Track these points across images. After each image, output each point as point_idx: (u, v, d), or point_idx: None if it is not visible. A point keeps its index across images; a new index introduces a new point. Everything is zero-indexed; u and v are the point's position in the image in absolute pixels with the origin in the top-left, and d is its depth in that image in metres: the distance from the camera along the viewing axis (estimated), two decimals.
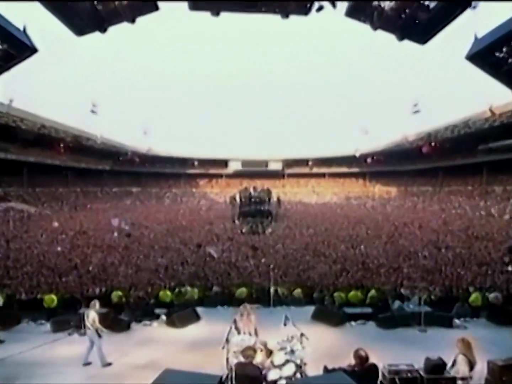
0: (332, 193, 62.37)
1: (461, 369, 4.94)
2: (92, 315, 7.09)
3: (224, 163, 67.13)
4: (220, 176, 68.05)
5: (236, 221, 27.65)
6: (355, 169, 63.97)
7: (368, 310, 9.49)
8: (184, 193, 62.46)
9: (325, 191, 63.72)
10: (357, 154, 57.93)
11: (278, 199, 33.28)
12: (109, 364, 6.83)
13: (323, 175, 66.93)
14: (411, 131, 46.43)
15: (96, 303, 7.39)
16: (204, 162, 65.86)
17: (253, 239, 20.13)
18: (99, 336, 7.00)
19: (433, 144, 44.95)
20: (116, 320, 8.80)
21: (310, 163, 66.32)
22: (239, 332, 6.12)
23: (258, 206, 28.64)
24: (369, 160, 59.34)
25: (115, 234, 21.64)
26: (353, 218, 29.90)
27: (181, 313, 9.16)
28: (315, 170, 66.64)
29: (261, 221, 26.20)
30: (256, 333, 6.46)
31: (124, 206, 44.79)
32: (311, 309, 9.64)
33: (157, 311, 9.62)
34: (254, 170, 64.96)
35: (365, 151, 57.54)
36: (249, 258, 15.12)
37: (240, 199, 30.43)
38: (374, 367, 5.29)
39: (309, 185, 66.88)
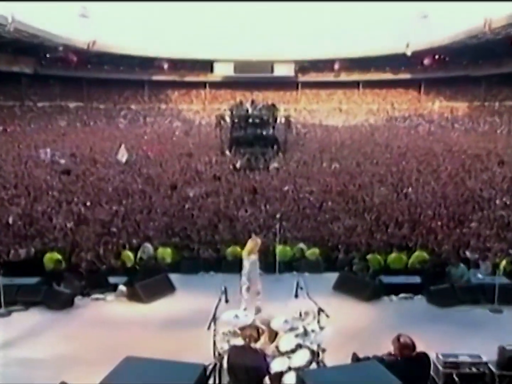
0: (367, 112, 61.72)
1: None
2: None
3: (209, 65, 65.53)
4: (202, 85, 66.74)
5: (226, 152, 27.87)
6: (404, 75, 62.71)
7: (416, 279, 9.66)
8: (149, 111, 61.79)
9: (358, 108, 63.04)
10: (409, 52, 56.14)
11: (288, 120, 32.91)
12: None
13: (355, 85, 65.65)
14: (496, 13, 44.21)
15: None
16: (179, 64, 64.34)
17: (251, 178, 20.38)
18: None
19: None
20: (53, 293, 8.94)
21: (336, 66, 64.77)
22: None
23: (258, 130, 28.59)
24: (427, 60, 57.76)
25: (47, 170, 21.63)
26: (398, 149, 29.92)
27: (147, 282, 9.31)
28: (344, 77, 65.27)
29: (263, 152, 26.31)
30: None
31: (57, 130, 44.26)
32: (333, 276, 9.84)
33: (113, 279, 9.78)
34: (253, 77, 63.82)
35: (421, 46, 55.61)
36: (245, 205, 15.34)
37: (232, 120, 30.24)
38: (425, 357, 5.39)
39: (335, 100, 66.06)
